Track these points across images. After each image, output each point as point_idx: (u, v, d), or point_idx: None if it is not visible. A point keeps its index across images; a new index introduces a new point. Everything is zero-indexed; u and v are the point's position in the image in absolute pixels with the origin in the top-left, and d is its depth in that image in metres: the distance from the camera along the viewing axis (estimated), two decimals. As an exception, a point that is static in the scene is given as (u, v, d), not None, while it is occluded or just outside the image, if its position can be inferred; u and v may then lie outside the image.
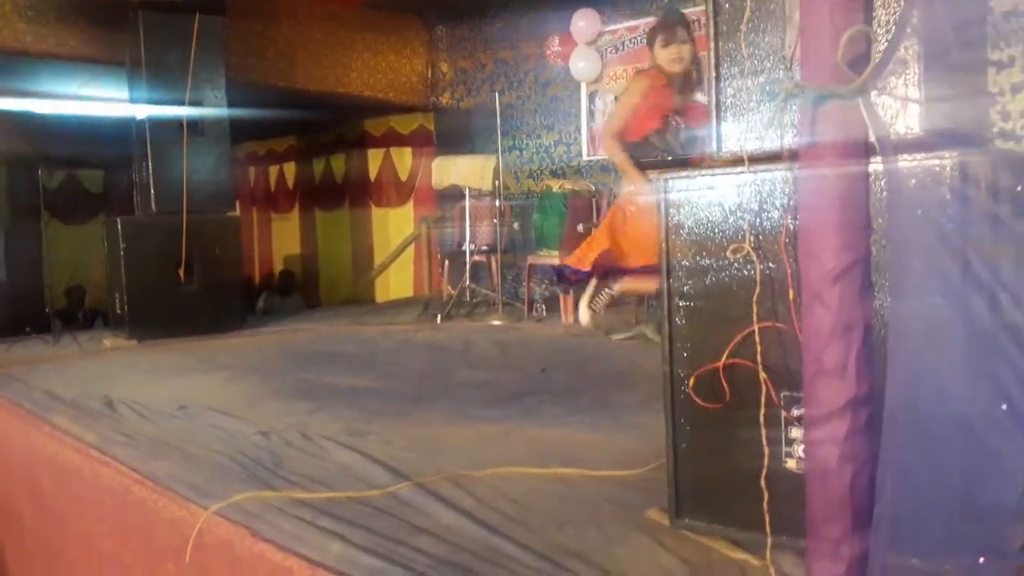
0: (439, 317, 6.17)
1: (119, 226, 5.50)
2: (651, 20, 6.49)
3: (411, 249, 8.76)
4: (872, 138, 1.31)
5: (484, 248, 6.58)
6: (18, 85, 7.08)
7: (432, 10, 8.18)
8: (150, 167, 5.62)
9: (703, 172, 1.87)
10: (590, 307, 3.97)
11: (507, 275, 7.30)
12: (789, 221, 1.65)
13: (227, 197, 6.14)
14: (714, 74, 1.89)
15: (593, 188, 6.15)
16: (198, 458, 2.71)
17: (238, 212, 6.43)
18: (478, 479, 2.37)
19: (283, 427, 3.06)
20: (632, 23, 6.69)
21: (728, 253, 1.78)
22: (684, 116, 3.62)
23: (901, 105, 1.50)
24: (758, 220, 1.74)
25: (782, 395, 1.69)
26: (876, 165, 1.44)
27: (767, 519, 1.60)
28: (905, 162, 1.42)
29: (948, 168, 1.41)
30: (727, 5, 1.87)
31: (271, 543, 2.00)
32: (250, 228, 11.23)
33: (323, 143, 10.02)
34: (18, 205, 6.12)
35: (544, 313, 6.14)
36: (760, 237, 1.74)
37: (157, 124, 5.64)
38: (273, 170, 11.30)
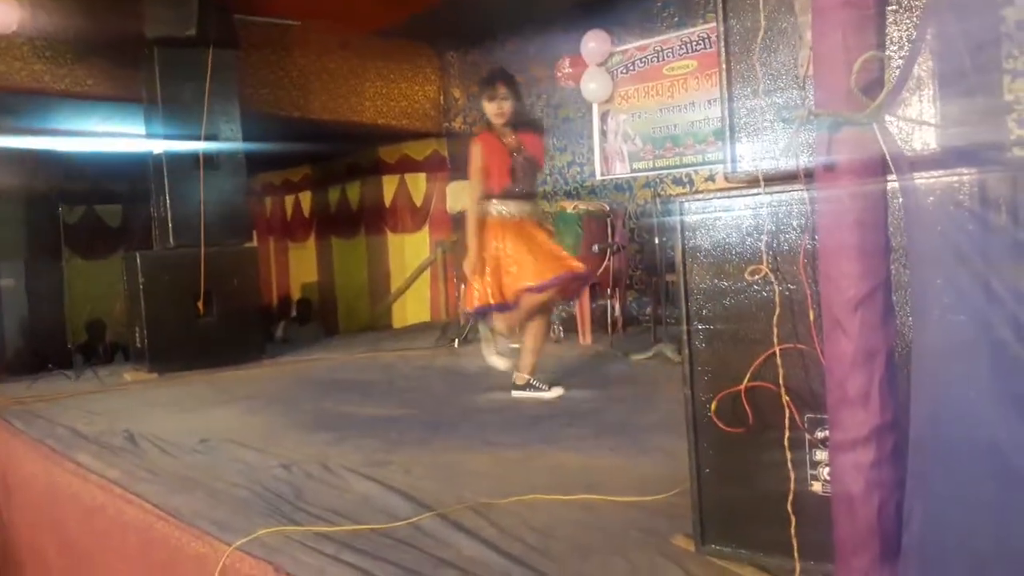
0: (457, 341, 6.16)
1: (138, 260, 5.55)
2: (663, 38, 6.54)
3: (427, 274, 8.77)
4: (888, 159, 1.30)
5: (500, 271, 6.57)
6: (38, 123, 7.19)
7: (443, 36, 8.24)
8: (167, 201, 5.68)
9: (719, 194, 1.86)
10: (499, 355, 4.31)
11: (524, 297, 7.29)
12: (807, 241, 1.63)
13: (244, 228, 6.20)
14: (726, 95, 1.89)
15: (607, 208, 6.14)
16: (220, 492, 2.70)
17: (255, 243, 6.48)
18: (500, 507, 2.35)
19: (304, 459, 3.05)
20: (642, 43, 6.71)
21: (746, 275, 1.76)
22: (523, 149, 4.12)
23: (917, 123, 1.49)
24: (775, 241, 1.73)
25: (805, 417, 1.67)
26: (893, 184, 1.42)
27: (795, 544, 1.57)
28: (923, 180, 1.40)
29: (967, 185, 1.39)
30: (738, 25, 1.87)
31: (294, 579, 1.99)
32: (267, 257, 11.32)
33: (338, 171, 10.10)
34: (39, 241, 6.20)
35: (562, 334, 6.12)
36: (778, 258, 1.72)
37: (174, 158, 5.70)
38: (289, 199, 11.39)
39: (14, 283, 6.14)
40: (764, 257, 1.73)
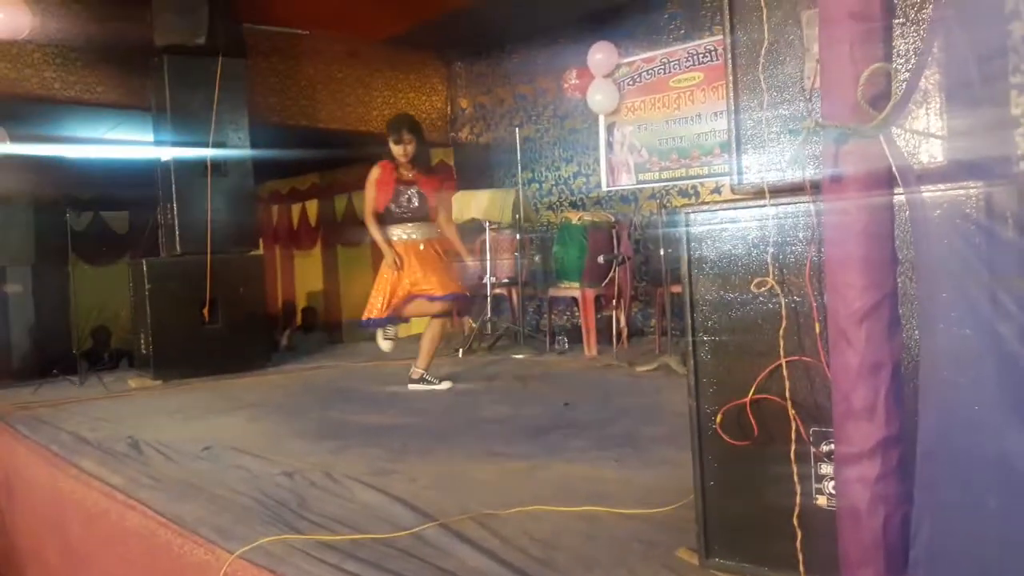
0: (461, 351, 6.16)
1: (144, 267, 5.56)
2: (669, 50, 6.55)
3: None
4: (895, 171, 1.30)
5: (505, 281, 6.59)
6: (47, 130, 7.23)
7: (450, 47, 8.27)
8: (175, 208, 5.70)
9: (725, 205, 1.86)
10: (385, 338, 5.14)
11: (528, 308, 7.30)
12: (813, 254, 1.63)
13: (250, 236, 6.22)
14: (733, 106, 1.89)
15: (613, 219, 6.14)
16: (223, 500, 2.70)
17: (261, 251, 6.49)
18: (504, 518, 2.34)
19: (307, 467, 3.05)
20: (649, 55, 6.73)
21: (752, 287, 1.76)
22: (419, 185, 4.92)
23: (924, 136, 1.48)
24: (781, 253, 1.72)
25: (811, 430, 1.66)
26: (900, 198, 1.42)
27: (800, 558, 1.56)
28: (930, 193, 1.40)
29: (974, 198, 1.39)
30: (745, 37, 1.87)
31: (296, 587, 1.98)
32: (273, 265, 11.34)
33: (345, 180, 10.12)
34: (46, 247, 6.22)
35: (566, 345, 6.11)
36: (784, 270, 1.72)
37: (181, 166, 5.73)
38: (296, 208, 11.42)
39: (21, 289, 6.16)
40: (770, 269, 1.72)
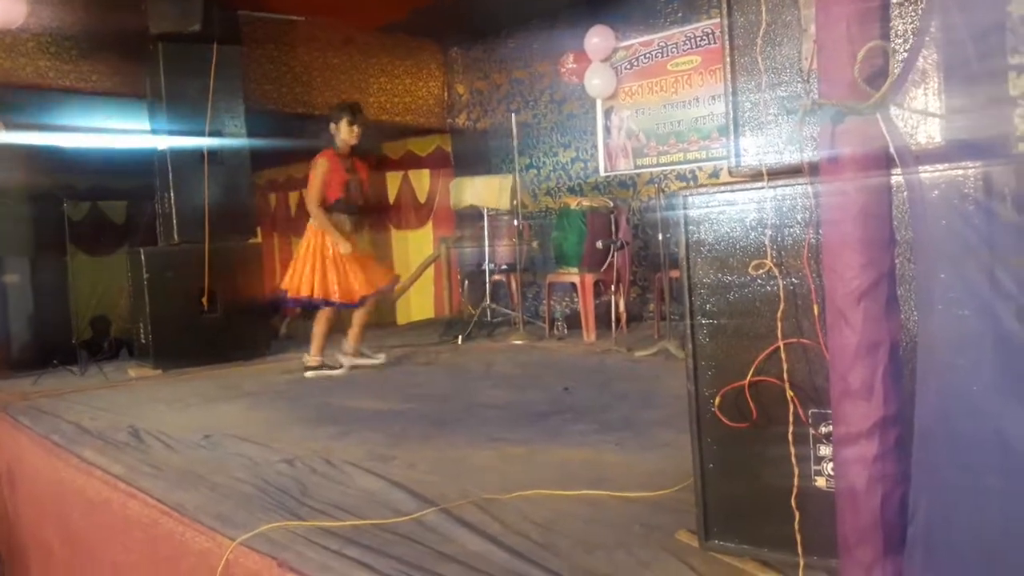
0: (460, 338, 6.17)
1: (142, 256, 5.55)
2: (667, 34, 6.52)
3: (431, 270, 8.76)
4: (893, 151, 1.29)
5: (504, 267, 6.58)
6: (43, 120, 7.19)
7: (446, 32, 8.23)
8: (172, 197, 5.69)
9: (723, 188, 1.85)
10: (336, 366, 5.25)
11: (527, 294, 7.29)
12: (811, 235, 1.63)
13: (248, 224, 6.20)
14: (730, 88, 1.88)
15: (611, 204, 6.13)
16: (224, 488, 2.71)
17: (259, 239, 6.47)
18: (504, 503, 2.35)
19: (307, 454, 3.06)
20: (646, 38, 6.69)
21: (750, 269, 1.76)
22: (356, 172, 5.17)
23: (922, 116, 1.48)
24: (779, 235, 1.72)
25: (810, 412, 1.67)
26: (898, 178, 1.42)
27: (799, 539, 1.57)
28: (927, 174, 1.40)
29: (972, 178, 1.38)
30: (742, 19, 1.86)
31: (299, 573, 1.99)
32: (272, 253, 11.31)
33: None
34: (44, 238, 6.20)
35: (565, 331, 6.11)
36: (782, 253, 1.72)
37: (178, 154, 5.71)
38: (293, 196, 11.39)
39: (19, 279, 6.15)
40: (768, 251, 1.72)
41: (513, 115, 6.65)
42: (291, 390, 4.64)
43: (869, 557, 1.27)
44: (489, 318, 6.59)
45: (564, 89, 7.38)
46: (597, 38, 6.77)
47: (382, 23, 7.59)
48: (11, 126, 6.01)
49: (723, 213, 1.83)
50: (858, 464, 1.26)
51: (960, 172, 1.39)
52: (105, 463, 3.13)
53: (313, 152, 5.24)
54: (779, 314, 1.66)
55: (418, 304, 8.98)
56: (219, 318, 5.72)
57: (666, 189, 6.35)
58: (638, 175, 6.87)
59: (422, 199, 8.94)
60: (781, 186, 1.71)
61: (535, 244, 6.81)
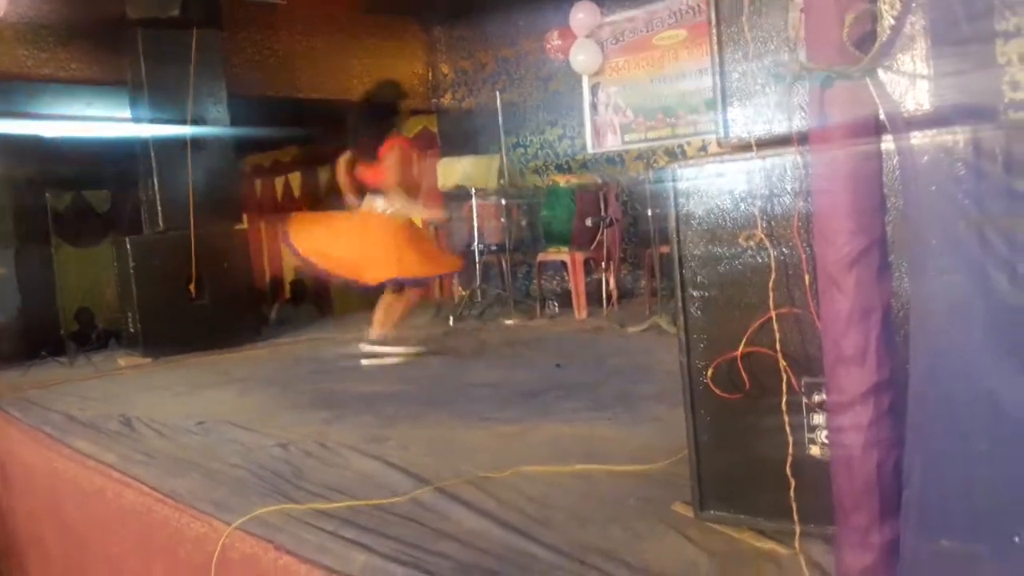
0: (451, 319, 6.16)
1: (128, 245, 5.51)
2: (652, 8, 6.48)
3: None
4: (883, 116, 1.28)
5: (493, 247, 6.56)
6: (23, 109, 7.10)
7: (429, 11, 8.15)
8: (156, 185, 5.64)
9: (711, 159, 1.84)
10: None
11: (517, 273, 7.28)
12: (801, 205, 1.62)
13: (234, 211, 6.16)
14: (717, 59, 1.86)
15: (600, 181, 6.11)
16: (218, 473, 2.70)
17: (246, 224, 6.43)
18: (499, 480, 2.35)
19: (301, 437, 3.05)
20: (631, 13, 6.65)
21: (740, 240, 1.75)
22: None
23: (910, 81, 1.47)
24: (769, 205, 1.71)
25: (803, 381, 1.67)
26: (888, 144, 1.41)
27: (794, 508, 1.58)
28: (917, 139, 1.39)
29: (961, 142, 1.38)
30: (727, -11, 1.84)
31: (295, 556, 1.99)
32: (259, 239, 11.25)
33: (327, 151, 10.01)
34: (28, 229, 6.15)
35: (556, 309, 6.11)
36: (772, 223, 1.71)
37: (160, 141, 5.65)
38: (279, 181, 11.32)
39: (5, 271, 6.10)
40: (758, 222, 1.71)
41: (499, 94, 6.61)
42: (283, 375, 4.63)
43: (865, 521, 1.28)
44: (480, 299, 6.58)
45: (550, 66, 7.33)
46: (582, 14, 6.72)
47: (364, 4, 7.51)
48: None
49: (712, 184, 1.82)
50: (853, 429, 1.26)
51: (949, 136, 1.39)
52: (98, 452, 3.12)
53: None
54: (770, 284, 1.66)
55: (408, 286, 8.94)
56: (208, 305, 5.69)
57: (654, 165, 6.34)
58: (626, 151, 6.85)
59: (409, 180, 8.88)
60: (770, 155, 1.70)
61: (524, 223, 6.79)
